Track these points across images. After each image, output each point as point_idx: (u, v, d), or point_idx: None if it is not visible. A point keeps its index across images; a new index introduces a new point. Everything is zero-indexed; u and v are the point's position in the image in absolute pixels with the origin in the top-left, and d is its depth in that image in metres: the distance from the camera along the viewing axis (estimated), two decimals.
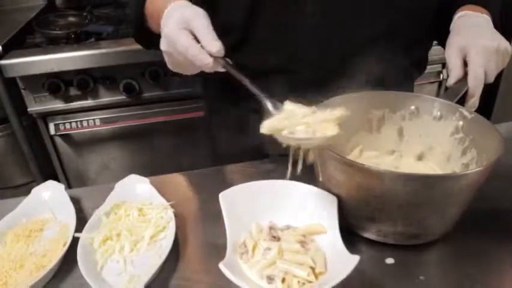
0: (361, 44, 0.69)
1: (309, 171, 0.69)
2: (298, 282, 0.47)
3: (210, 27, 0.57)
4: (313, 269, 0.48)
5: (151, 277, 0.51)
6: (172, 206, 0.61)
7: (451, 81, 0.63)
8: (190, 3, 0.61)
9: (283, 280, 0.47)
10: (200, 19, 0.57)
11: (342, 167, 0.50)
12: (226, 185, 0.59)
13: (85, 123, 1.36)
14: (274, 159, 0.73)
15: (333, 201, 0.53)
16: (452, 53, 0.64)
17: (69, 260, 0.55)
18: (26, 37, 1.33)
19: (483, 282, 0.50)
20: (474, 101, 0.62)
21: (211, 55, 0.56)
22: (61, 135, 1.38)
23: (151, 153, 1.45)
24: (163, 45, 0.59)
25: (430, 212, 0.50)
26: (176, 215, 0.60)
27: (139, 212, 0.61)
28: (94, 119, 1.36)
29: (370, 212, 0.52)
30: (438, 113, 0.63)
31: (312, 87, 0.64)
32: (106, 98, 1.32)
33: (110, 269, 0.55)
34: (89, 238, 0.57)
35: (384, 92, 0.65)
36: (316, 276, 0.47)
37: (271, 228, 0.55)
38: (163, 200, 0.62)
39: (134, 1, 0.70)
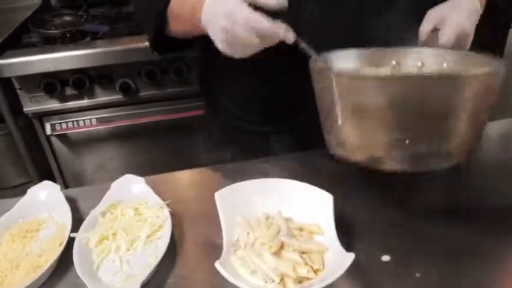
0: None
1: (306, 170, 0.70)
2: (295, 280, 0.47)
3: None
4: (311, 266, 0.48)
5: (148, 276, 0.51)
6: (168, 205, 0.61)
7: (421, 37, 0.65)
8: None
9: (280, 279, 0.47)
10: None
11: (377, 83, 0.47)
12: (223, 184, 0.59)
13: (81, 123, 1.35)
14: (271, 158, 0.74)
15: (330, 200, 0.54)
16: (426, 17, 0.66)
17: (65, 260, 0.55)
18: (22, 37, 1.33)
19: (479, 279, 0.50)
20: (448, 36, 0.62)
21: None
22: (57, 135, 1.37)
23: (147, 152, 1.45)
24: (218, 25, 0.55)
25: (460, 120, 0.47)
26: (172, 214, 0.60)
27: (135, 212, 0.61)
28: (90, 119, 1.35)
29: (399, 132, 0.48)
30: (419, 63, 0.63)
31: None
32: (102, 98, 1.31)
33: (106, 268, 0.55)
34: (85, 238, 0.57)
35: (368, 49, 0.64)
36: (314, 273, 0.47)
37: (268, 218, 0.55)
38: (158, 200, 0.62)
39: (152, 11, 0.69)
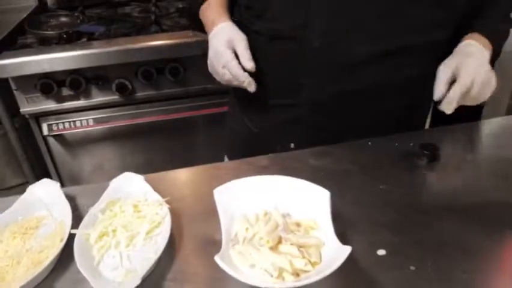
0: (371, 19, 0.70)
1: (304, 167, 0.71)
2: (293, 273, 0.48)
3: (248, 50, 0.73)
4: (309, 260, 0.49)
5: (148, 271, 0.52)
6: (167, 202, 0.62)
7: (436, 95, 0.68)
8: (236, 27, 0.76)
9: (278, 272, 0.48)
10: (243, 42, 0.73)
11: None
12: (221, 181, 0.60)
13: (78, 123, 1.36)
14: (269, 156, 0.75)
15: (326, 196, 0.55)
16: (442, 68, 0.69)
17: (66, 256, 0.56)
18: (18, 38, 1.33)
19: (473, 273, 0.52)
20: (449, 102, 0.66)
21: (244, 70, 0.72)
22: (54, 136, 1.38)
23: (144, 153, 1.46)
24: (210, 53, 0.77)
25: None
26: (171, 211, 0.61)
27: (134, 209, 0.62)
28: (87, 119, 1.36)
29: None
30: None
31: (321, 55, 0.72)
32: (98, 98, 1.32)
33: (106, 264, 0.55)
34: (86, 234, 0.58)
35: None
36: (312, 266, 0.49)
37: (266, 214, 0.56)
38: (158, 197, 0.63)
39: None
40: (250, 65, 0.71)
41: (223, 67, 0.73)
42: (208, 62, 0.78)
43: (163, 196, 0.63)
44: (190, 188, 0.71)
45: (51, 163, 1.44)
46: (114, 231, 0.59)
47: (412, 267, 0.52)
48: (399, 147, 0.76)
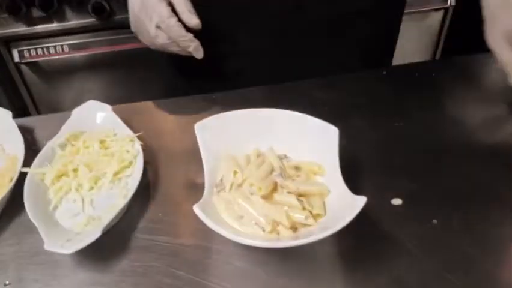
0: None
1: (304, 100, 0.60)
2: (290, 227, 0.39)
3: (189, 1, 0.54)
4: (310, 211, 0.39)
5: (113, 219, 0.43)
6: (140, 138, 0.52)
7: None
8: None
9: (272, 226, 0.38)
10: None
11: None
12: (206, 115, 0.49)
13: (52, 50, 1.23)
14: (263, 87, 0.63)
15: (334, 133, 0.44)
16: (498, 41, 0.51)
17: (18, 198, 0.46)
18: None
19: (508, 225, 0.43)
20: None
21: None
22: (27, 63, 1.25)
23: (128, 83, 1.33)
24: (134, 6, 0.56)
25: None
26: (144, 149, 0.50)
27: (101, 145, 0.52)
28: (61, 45, 1.22)
29: None
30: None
31: (282, 18, 0.62)
32: (73, 21, 1.17)
33: (65, 209, 0.46)
34: (41, 173, 0.48)
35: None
36: (314, 219, 0.39)
37: (259, 154, 0.46)
38: (129, 131, 0.52)
39: None
40: (194, 21, 0.54)
41: (158, 27, 0.54)
42: (131, 18, 0.58)
43: (135, 131, 0.52)
44: (169, 121, 0.60)
45: (28, 94, 1.33)
46: (75, 170, 0.49)
47: (434, 221, 0.43)
48: (420, 78, 0.64)
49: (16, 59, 1.23)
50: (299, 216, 0.39)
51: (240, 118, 0.49)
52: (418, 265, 0.39)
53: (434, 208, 0.44)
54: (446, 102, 0.61)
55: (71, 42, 1.21)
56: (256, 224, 0.39)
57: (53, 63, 1.26)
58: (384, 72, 0.65)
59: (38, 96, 1.34)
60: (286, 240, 0.37)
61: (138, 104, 0.62)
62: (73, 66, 1.28)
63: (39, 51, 1.23)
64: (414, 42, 1.44)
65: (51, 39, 1.21)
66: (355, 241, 0.41)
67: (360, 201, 0.35)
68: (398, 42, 0.79)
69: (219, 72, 0.69)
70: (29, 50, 1.22)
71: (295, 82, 0.64)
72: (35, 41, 1.21)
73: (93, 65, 1.28)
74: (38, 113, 1.38)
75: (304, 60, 0.68)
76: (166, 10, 0.53)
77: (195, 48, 0.55)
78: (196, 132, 0.46)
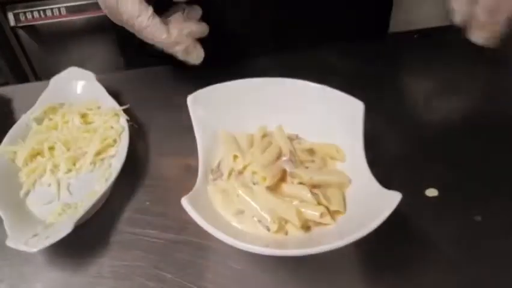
0: None
1: (317, 69, 0.51)
2: (302, 227, 0.31)
3: None
4: (327, 207, 0.32)
5: (91, 207, 0.36)
6: (126, 111, 0.44)
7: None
8: None
9: (279, 224, 0.31)
10: None
11: None
12: (202, 85, 0.41)
13: (48, 13, 1.16)
14: (271, 56, 0.55)
15: (359, 108, 0.36)
16: None
17: None
18: None
19: None
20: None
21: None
22: (24, 27, 1.18)
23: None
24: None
25: None
26: (131, 125, 0.43)
27: (82, 119, 0.45)
28: (59, 8, 1.15)
29: None
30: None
31: None
32: None
33: (38, 195, 0.39)
34: (11, 152, 0.41)
35: None
36: (331, 217, 0.32)
37: (264, 135, 0.39)
38: (114, 103, 0.45)
39: None
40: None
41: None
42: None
43: (121, 103, 0.45)
44: (159, 92, 0.52)
45: (25, 60, 1.26)
46: (51, 149, 0.42)
47: (478, 217, 0.35)
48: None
49: (12, 22, 1.16)
50: (313, 213, 0.31)
51: (242, 89, 0.40)
52: (458, 273, 0.32)
53: (477, 203, 0.36)
54: (498, 70, 0.51)
55: (68, 4, 1.14)
56: (259, 221, 0.32)
57: (49, 27, 1.19)
58: (415, 35, 0.56)
59: (36, 61, 1.28)
60: (296, 244, 0.30)
61: (129, 72, 0.55)
62: (72, 30, 1.20)
63: (36, 14, 1.16)
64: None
65: (47, 1, 1.14)
66: (380, 244, 0.33)
67: (394, 197, 0.27)
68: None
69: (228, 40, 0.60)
70: (24, 13, 1.15)
71: (307, 49, 0.56)
72: (30, 4, 1.14)
73: (93, 29, 1.19)
74: (37, 77, 1.32)
75: (316, 27, 0.58)
76: (136, 6, 0.39)
77: (184, 52, 0.43)
78: (188, 105, 0.38)
